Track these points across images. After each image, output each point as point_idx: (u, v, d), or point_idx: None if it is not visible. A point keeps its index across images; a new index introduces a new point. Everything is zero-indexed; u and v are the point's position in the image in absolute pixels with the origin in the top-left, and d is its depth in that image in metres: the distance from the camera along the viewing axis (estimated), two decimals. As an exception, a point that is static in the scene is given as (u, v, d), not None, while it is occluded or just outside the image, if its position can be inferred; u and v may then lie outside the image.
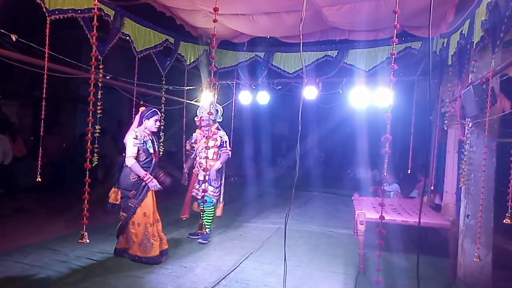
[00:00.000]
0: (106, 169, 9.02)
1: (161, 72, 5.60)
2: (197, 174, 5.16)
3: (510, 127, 2.72)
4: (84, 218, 2.40)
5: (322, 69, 6.31)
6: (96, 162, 4.60)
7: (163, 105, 5.49)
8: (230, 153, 5.20)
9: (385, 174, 2.00)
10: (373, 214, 4.29)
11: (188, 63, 6.05)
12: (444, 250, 4.18)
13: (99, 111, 4.30)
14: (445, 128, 5.41)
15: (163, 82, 5.69)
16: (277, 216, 6.82)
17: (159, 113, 4.25)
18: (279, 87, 6.73)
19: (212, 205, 5.09)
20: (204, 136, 5.09)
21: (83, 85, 8.50)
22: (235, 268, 4.12)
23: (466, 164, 3.60)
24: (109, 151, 8.98)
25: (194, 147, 5.27)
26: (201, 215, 4.00)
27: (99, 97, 4.25)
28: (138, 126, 4.11)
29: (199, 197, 5.11)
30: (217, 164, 5.02)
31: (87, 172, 2.26)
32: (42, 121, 3.84)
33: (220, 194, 5.19)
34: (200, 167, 5.08)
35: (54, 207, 6.75)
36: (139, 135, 4.03)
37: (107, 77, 4.81)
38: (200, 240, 4.98)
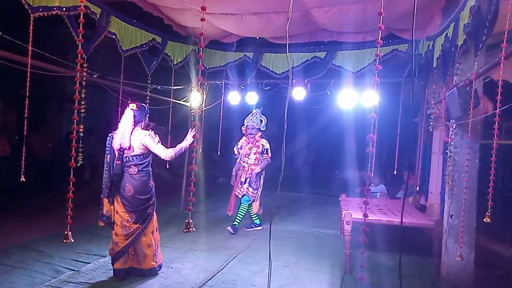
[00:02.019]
0: (93, 169, 8.91)
1: (147, 71, 5.56)
2: (240, 176, 5.80)
3: (493, 129, 2.77)
4: (68, 217, 2.37)
5: (311, 70, 6.34)
6: (82, 162, 4.52)
7: (148, 104, 5.45)
8: (270, 159, 5.75)
9: (370, 173, 2.02)
10: (360, 214, 4.32)
11: (175, 62, 6.02)
12: (428, 249, 4.25)
13: (83, 110, 4.07)
14: (431, 129, 5.49)
15: (149, 81, 5.64)
16: (264, 216, 6.83)
17: None
18: (268, 87, 6.74)
19: (248, 203, 5.71)
20: (248, 142, 5.78)
21: (69, 84, 8.39)
22: (222, 269, 4.11)
23: (451, 165, 3.66)
24: (96, 151, 8.87)
25: (239, 152, 5.88)
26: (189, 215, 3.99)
27: (85, 96, 4.12)
28: (135, 125, 3.64)
29: (240, 196, 5.77)
30: (257, 169, 5.67)
31: (72, 171, 2.23)
32: (26, 119, 3.75)
33: (256, 195, 5.75)
34: (244, 170, 5.76)
35: (39, 207, 6.64)
36: (152, 133, 3.69)
37: (94, 76, 4.75)
38: (229, 228, 5.64)
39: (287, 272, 4.10)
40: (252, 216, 5.90)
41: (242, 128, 5.93)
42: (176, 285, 3.63)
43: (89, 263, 4.06)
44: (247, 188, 5.68)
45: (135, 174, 3.62)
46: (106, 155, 3.73)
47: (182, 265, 4.15)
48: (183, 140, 3.75)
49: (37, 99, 5.36)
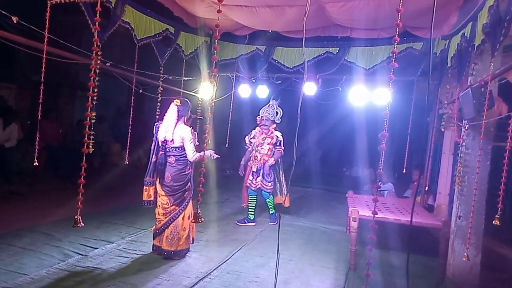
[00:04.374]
0: (103, 157, 9.01)
1: (159, 61, 5.56)
2: (252, 166, 5.78)
3: (506, 131, 2.74)
4: (79, 202, 2.40)
5: (322, 66, 6.30)
6: (93, 149, 4.55)
7: (159, 94, 5.47)
8: (283, 151, 5.77)
9: (381, 172, 2.01)
10: (366, 211, 4.33)
11: (186, 53, 6.02)
12: (434, 250, 4.24)
13: (95, 98, 4.12)
14: (442, 129, 5.42)
15: (161, 71, 5.65)
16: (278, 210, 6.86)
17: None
18: (279, 81, 6.72)
19: (269, 195, 5.75)
20: (262, 133, 5.76)
21: (82, 72, 8.45)
22: (227, 259, 4.16)
23: (461, 166, 3.62)
24: (106, 139, 8.96)
25: (252, 142, 5.85)
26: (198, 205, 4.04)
27: (97, 84, 4.13)
28: (178, 120, 3.96)
29: (252, 188, 5.76)
30: (271, 161, 5.68)
31: (84, 157, 2.26)
32: (40, 105, 3.81)
33: (273, 187, 5.79)
34: (255, 159, 5.74)
35: (49, 192, 6.76)
36: (192, 131, 4.03)
37: (107, 64, 4.78)
38: (270, 223, 5.82)
39: (292, 266, 4.12)
40: (250, 211, 5.85)
41: (257, 118, 5.90)
42: (181, 273, 3.68)
43: (97, 248, 4.13)
44: (262, 181, 5.67)
45: (173, 162, 3.98)
46: (153, 143, 4.08)
47: (188, 254, 4.20)
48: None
49: (50, 85, 5.43)
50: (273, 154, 5.70)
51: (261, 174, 5.68)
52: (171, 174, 3.97)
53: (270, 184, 5.70)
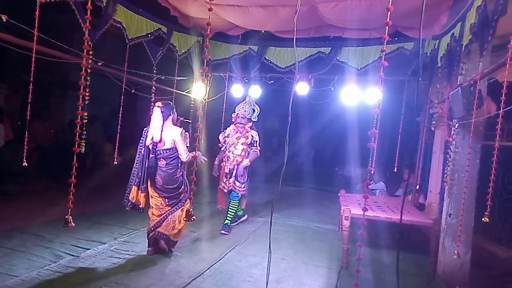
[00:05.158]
0: (94, 157, 8.95)
1: (152, 61, 5.53)
2: (224, 167, 5.39)
3: (495, 130, 2.78)
4: (70, 202, 2.38)
5: (315, 66, 6.33)
6: (84, 149, 4.52)
7: (153, 94, 5.44)
8: (259, 152, 5.40)
9: (371, 168, 2.03)
10: (359, 210, 4.35)
11: (179, 53, 6.00)
12: (425, 248, 4.28)
13: (87, 97, 4.07)
14: (433, 128, 5.49)
15: (154, 71, 5.62)
16: (264, 209, 6.87)
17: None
18: (272, 81, 6.73)
19: (238, 199, 5.34)
20: (237, 131, 5.35)
21: (73, 71, 8.39)
22: (220, 259, 4.15)
23: (451, 165, 3.67)
24: (98, 139, 8.91)
25: (226, 140, 5.45)
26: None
27: (89, 83, 4.09)
28: (164, 120, 3.90)
29: (225, 190, 5.39)
30: (246, 162, 5.25)
31: (75, 156, 2.25)
32: (29, 105, 3.77)
33: (246, 190, 5.39)
34: (228, 160, 5.32)
35: (40, 192, 6.69)
36: (183, 132, 3.98)
37: (99, 63, 4.75)
38: (222, 231, 5.19)
39: (285, 265, 4.13)
40: (229, 215, 5.44)
41: (232, 115, 5.51)
42: (174, 273, 3.67)
43: (89, 249, 4.10)
44: (234, 183, 5.25)
45: (163, 167, 3.95)
46: (140, 147, 4.01)
47: (181, 254, 4.19)
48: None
49: (41, 85, 5.39)
50: (248, 154, 5.30)
51: (233, 175, 5.26)
52: (162, 178, 3.95)
53: (243, 185, 5.28)
